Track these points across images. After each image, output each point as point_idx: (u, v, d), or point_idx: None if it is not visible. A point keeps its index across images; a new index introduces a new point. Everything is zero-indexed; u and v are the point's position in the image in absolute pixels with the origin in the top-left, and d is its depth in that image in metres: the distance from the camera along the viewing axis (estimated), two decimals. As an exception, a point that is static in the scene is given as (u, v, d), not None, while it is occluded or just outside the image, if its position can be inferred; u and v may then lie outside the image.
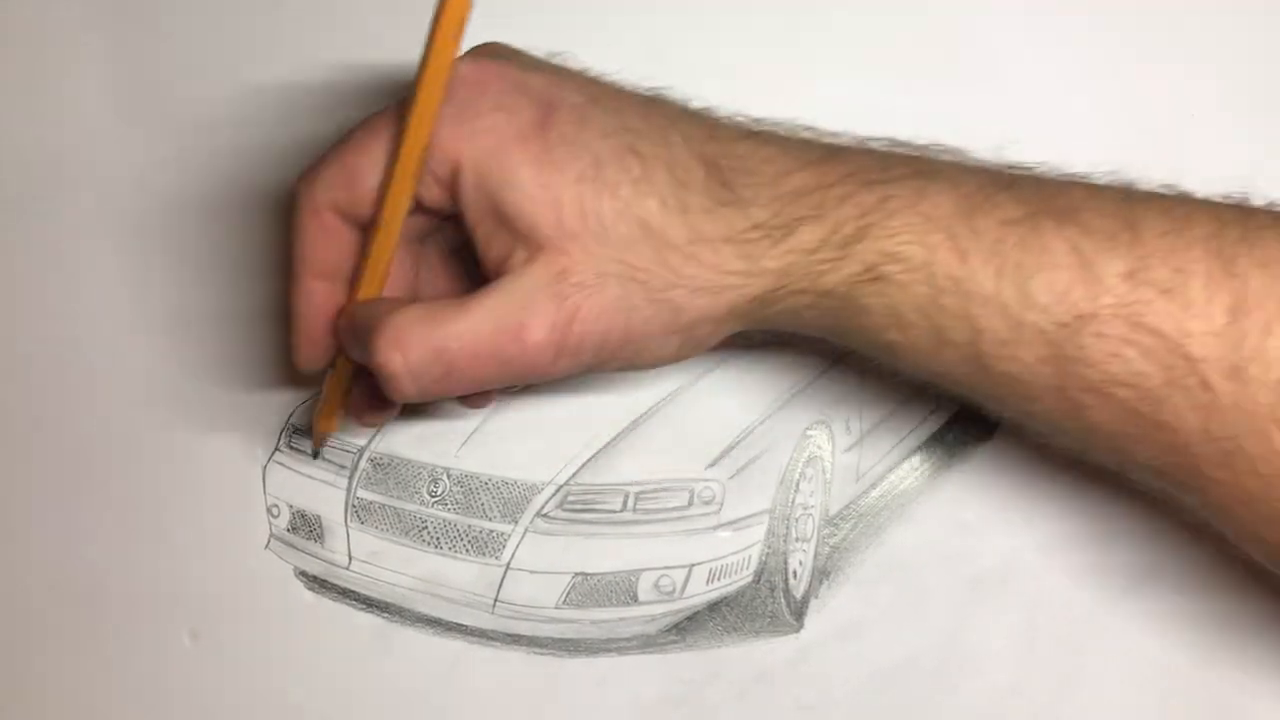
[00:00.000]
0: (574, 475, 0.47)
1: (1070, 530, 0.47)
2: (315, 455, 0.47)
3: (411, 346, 0.37)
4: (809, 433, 0.48)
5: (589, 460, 0.47)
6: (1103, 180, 0.39)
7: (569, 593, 0.47)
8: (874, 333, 0.38)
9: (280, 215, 0.48)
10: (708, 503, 0.47)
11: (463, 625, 0.47)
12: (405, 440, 0.48)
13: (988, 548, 0.47)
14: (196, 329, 0.49)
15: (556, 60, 0.41)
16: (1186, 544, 0.46)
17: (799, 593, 0.47)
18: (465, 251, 0.40)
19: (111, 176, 0.49)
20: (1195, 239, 0.36)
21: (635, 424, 0.48)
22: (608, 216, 0.37)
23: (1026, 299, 0.36)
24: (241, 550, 0.48)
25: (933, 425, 0.48)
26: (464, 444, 0.48)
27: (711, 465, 0.47)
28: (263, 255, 0.49)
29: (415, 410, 0.48)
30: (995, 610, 0.47)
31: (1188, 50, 0.49)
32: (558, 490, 0.47)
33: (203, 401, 0.48)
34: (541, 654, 0.47)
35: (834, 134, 0.41)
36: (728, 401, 0.48)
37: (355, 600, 0.48)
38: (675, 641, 0.47)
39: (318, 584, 0.48)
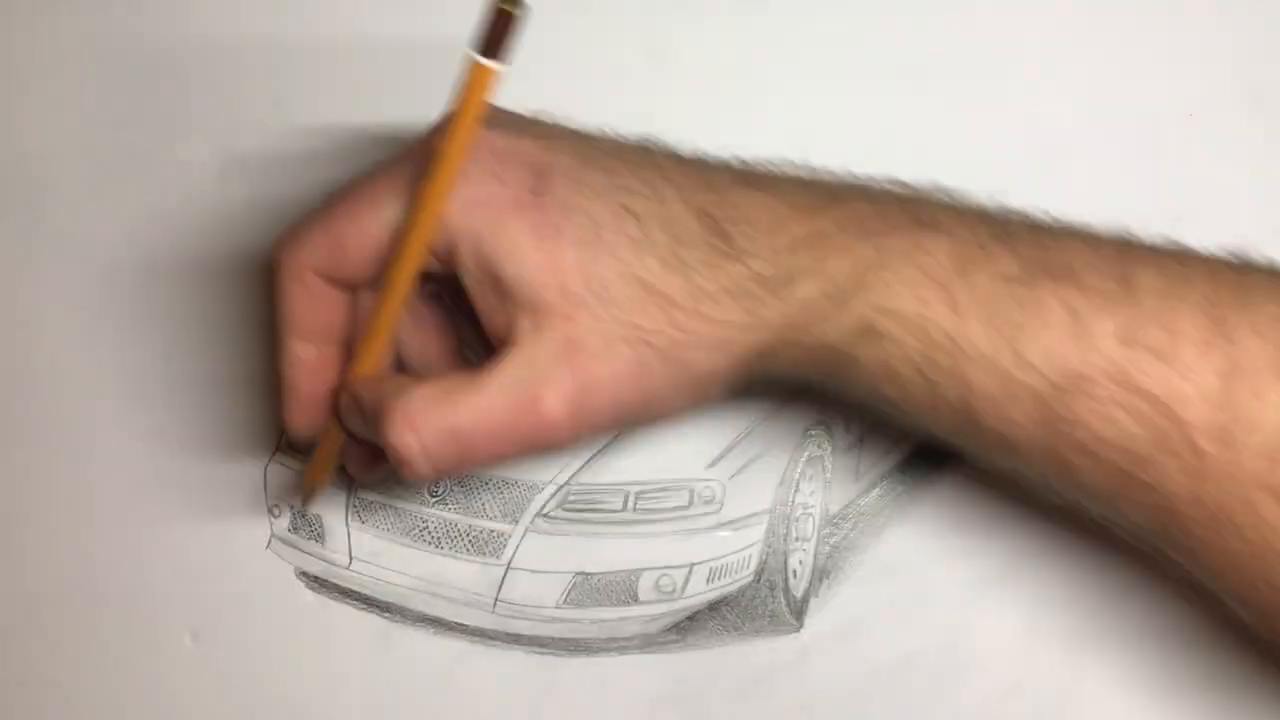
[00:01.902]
0: (574, 475, 0.47)
1: (1069, 528, 0.47)
2: (303, 514, 0.47)
3: (425, 429, 0.36)
4: (809, 433, 0.48)
5: (589, 460, 0.47)
6: (1101, 230, 0.39)
7: (569, 592, 0.47)
8: (870, 386, 0.38)
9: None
10: (708, 502, 0.47)
11: (463, 625, 0.48)
12: (406, 440, 0.48)
13: (987, 547, 0.47)
14: (197, 331, 0.49)
15: (543, 118, 0.40)
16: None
17: (799, 592, 0.47)
18: (442, 300, 0.40)
19: (117, 186, 0.50)
20: (1190, 301, 0.36)
21: (635, 424, 0.48)
22: (610, 279, 0.36)
23: (1019, 358, 0.36)
24: (242, 550, 0.48)
25: (933, 425, 0.48)
26: (464, 444, 0.48)
27: (711, 465, 0.47)
28: (263, 271, 0.49)
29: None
30: (995, 609, 0.47)
31: (1187, 50, 0.49)
32: (558, 490, 0.47)
33: (203, 402, 0.48)
34: (542, 653, 0.47)
35: (829, 173, 0.41)
36: (728, 401, 0.48)
37: (356, 600, 0.48)
38: (675, 641, 0.47)
39: (318, 584, 0.48)
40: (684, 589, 0.47)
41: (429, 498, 0.47)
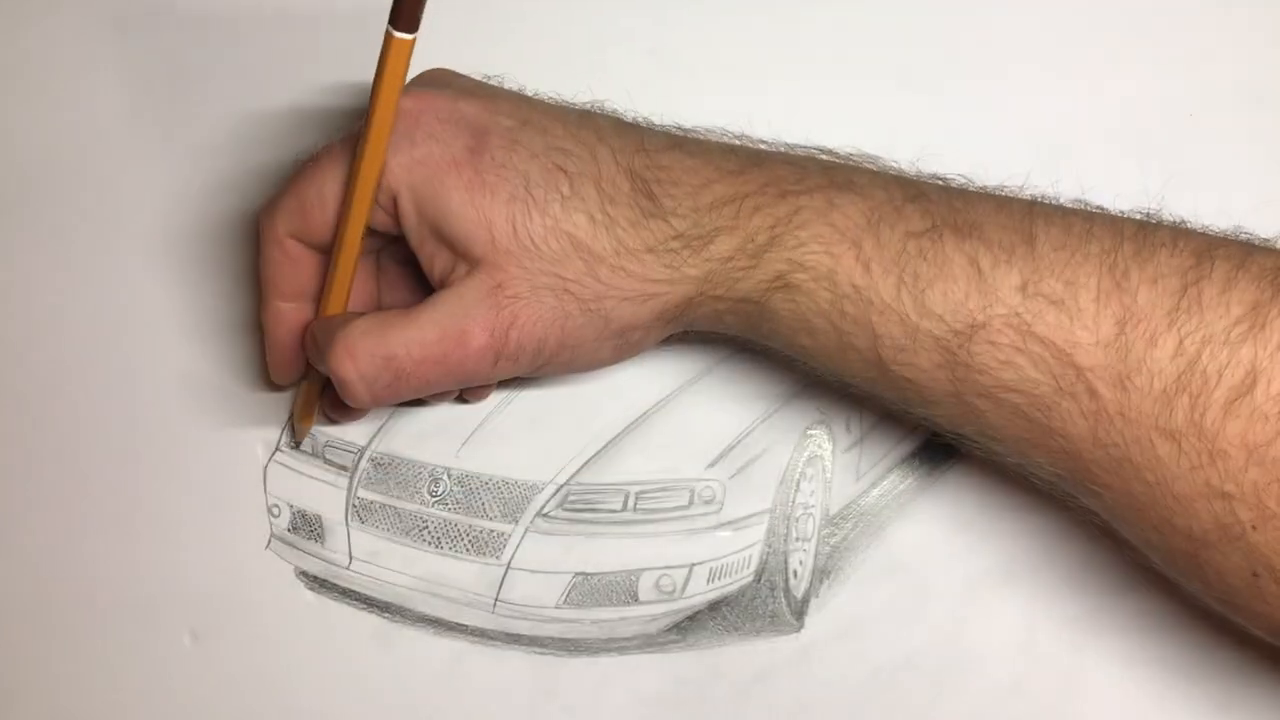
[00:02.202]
0: (574, 475, 0.47)
1: (1069, 528, 0.47)
2: (296, 446, 0.48)
3: (361, 356, 0.39)
4: (809, 432, 0.48)
5: (589, 460, 0.47)
6: (1016, 194, 0.41)
7: (569, 592, 0.47)
8: (786, 336, 0.41)
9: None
10: (708, 502, 0.47)
11: (463, 625, 0.47)
12: (406, 440, 0.48)
13: (988, 546, 0.47)
14: (197, 332, 0.49)
15: (494, 81, 0.43)
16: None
17: (799, 592, 0.47)
18: (413, 263, 0.42)
19: (117, 183, 0.50)
20: (1090, 253, 0.38)
21: (635, 424, 0.48)
22: (538, 234, 0.39)
23: (922, 308, 0.38)
24: (242, 550, 0.48)
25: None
26: (465, 444, 0.48)
27: (712, 465, 0.47)
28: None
29: (415, 409, 0.48)
30: (995, 609, 0.47)
31: (1187, 50, 0.49)
32: (558, 490, 0.47)
33: (203, 402, 0.48)
34: (542, 654, 0.47)
35: (762, 142, 0.43)
36: (728, 401, 0.48)
37: (356, 600, 0.48)
38: (676, 641, 0.47)
39: (318, 584, 0.48)
40: (684, 589, 0.47)
41: (429, 498, 0.47)
